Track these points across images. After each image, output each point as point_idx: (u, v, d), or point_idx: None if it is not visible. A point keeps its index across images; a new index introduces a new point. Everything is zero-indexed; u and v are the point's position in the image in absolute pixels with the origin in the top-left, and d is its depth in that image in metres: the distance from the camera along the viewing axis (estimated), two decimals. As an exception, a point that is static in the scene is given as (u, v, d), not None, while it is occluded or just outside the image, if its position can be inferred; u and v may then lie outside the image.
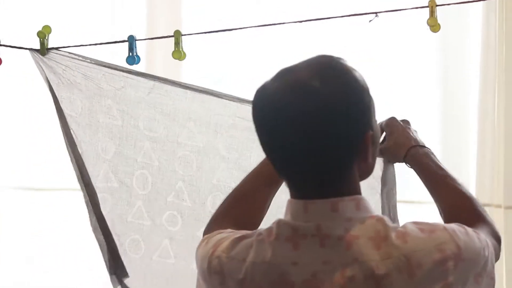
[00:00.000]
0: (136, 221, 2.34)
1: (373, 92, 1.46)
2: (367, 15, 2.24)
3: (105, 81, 2.27)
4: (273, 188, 1.72)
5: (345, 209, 1.39)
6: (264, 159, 1.71)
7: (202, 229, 2.27)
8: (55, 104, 2.29)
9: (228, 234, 1.51)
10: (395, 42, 3.06)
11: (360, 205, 1.41)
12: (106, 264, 2.33)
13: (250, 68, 3.12)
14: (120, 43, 2.31)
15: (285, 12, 3.00)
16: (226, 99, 2.25)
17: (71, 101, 2.29)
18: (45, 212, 3.26)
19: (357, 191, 1.43)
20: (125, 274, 2.34)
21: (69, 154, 2.31)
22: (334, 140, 1.36)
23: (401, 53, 3.08)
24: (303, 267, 1.38)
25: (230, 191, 2.23)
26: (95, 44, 2.30)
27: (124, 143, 2.31)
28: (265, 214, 1.72)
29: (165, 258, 2.35)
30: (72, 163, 2.31)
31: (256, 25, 2.30)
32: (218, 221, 1.68)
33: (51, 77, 2.27)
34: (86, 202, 2.33)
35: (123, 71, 2.27)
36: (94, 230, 2.33)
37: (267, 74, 2.85)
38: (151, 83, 2.27)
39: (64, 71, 2.26)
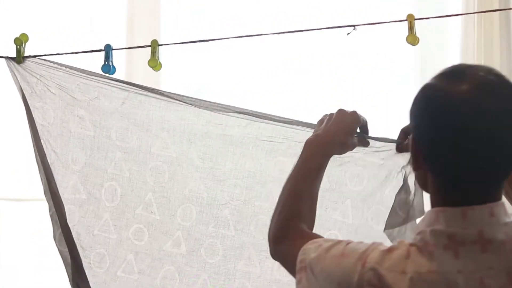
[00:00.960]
0: (103, 234, 2.30)
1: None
2: (345, 27, 2.24)
3: (79, 91, 2.25)
4: (319, 182, 1.78)
5: (499, 214, 1.42)
6: (300, 164, 1.77)
7: (169, 243, 2.31)
8: (26, 113, 2.25)
9: (365, 244, 1.50)
10: (374, 54, 3.06)
11: (506, 210, 1.44)
12: (69, 278, 2.28)
13: (229, 78, 3.12)
14: (98, 52, 2.30)
15: (264, 23, 3.01)
16: (200, 107, 2.25)
17: (43, 110, 2.26)
18: (26, 222, 3.23)
19: (501, 196, 1.46)
20: (88, 288, 2.30)
21: (38, 165, 2.26)
22: None
23: (380, 64, 3.09)
24: (469, 274, 1.39)
25: (201, 202, 2.27)
26: (72, 53, 2.28)
27: (95, 154, 2.28)
28: (315, 209, 1.77)
29: (128, 274, 2.31)
30: (40, 174, 2.27)
31: (235, 36, 2.31)
32: (292, 224, 1.70)
33: (24, 86, 2.24)
34: (51, 214, 2.28)
35: (99, 76, 2.25)
36: (58, 243, 2.28)
37: (245, 84, 2.84)
38: (125, 93, 2.26)
39: (39, 81, 2.24)
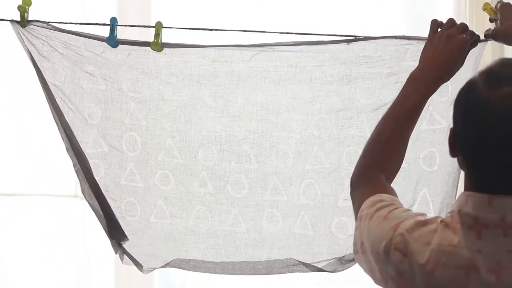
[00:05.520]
0: (130, 184, 2.36)
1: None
2: (346, 37, 2.30)
3: (85, 48, 2.29)
4: (412, 128, 1.78)
5: None
6: (397, 101, 1.77)
7: (196, 183, 2.36)
8: (37, 75, 2.30)
9: (408, 213, 1.56)
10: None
11: None
12: (104, 230, 2.34)
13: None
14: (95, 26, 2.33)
15: (265, 20, 3.07)
16: (203, 47, 2.30)
17: (53, 70, 2.30)
18: (12, 217, 3.24)
19: None
20: (124, 237, 2.35)
21: (57, 124, 2.31)
22: None
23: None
24: (487, 255, 1.45)
25: (220, 140, 2.33)
26: (76, 23, 2.32)
27: (110, 107, 2.33)
28: (405, 152, 1.78)
29: (161, 219, 2.37)
30: (60, 132, 2.32)
31: (237, 29, 2.35)
32: (368, 172, 1.73)
33: (31, 49, 2.28)
34: (76, 170, 2.33)
35: (103, 40, 2.29)
36: (88, 197, 2.34)
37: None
38: (129, 45, 2.31)
39: (45, 42, 2.28)
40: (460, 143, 1.51)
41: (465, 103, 1.50)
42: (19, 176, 3.16)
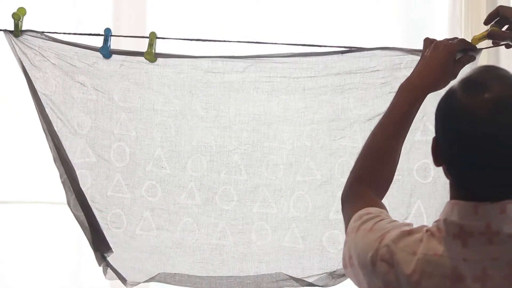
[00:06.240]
0: (116, 195, 2.33)
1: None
2: (340, 48, 2.29)
3: (77, 59, 2.29)
4: (402, 140, 1.78)
5: (511, 210, 1.46)
6: (386, 113, 1.78)
7: (184, 195, 2.34)
8: (28, 84, 2.29)
9: (394, 224, 1.57)
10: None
11: None
12: (89, 241, 2.31)
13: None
14: (86, 36, 2.32)
15: (260, 30, 3.09)
16: (197, 57, 2.29)
17: (44, 80, 2.30)
18: (8, 224, 3.22)
19: None
20: (109, 249, 2.32)
21: (45, 134, 2.30)
22: None
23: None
24: (473, 264, 1.45)
25: (210, 151, 2.31)
26: (70, 33, 2.32)
27: (100, 117, 2.31)
28: (396, 167, 1.77)
29: (147, 231, 2.33)
30: (48, 142, 2.30)
31: (233, 40, 2.35)
32: (357, 187, 1.73)
33: (23, 58, 2.27)
34: (63, 180, 2.31)
35: (96, 50, 2.30)
36: (73, 208, 2.31)
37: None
38: (122, 56, 2.30)
39: (37, 52, 2.27)
40: (443, 151, 1.51)
41: (445, 111, 1.50)
42: (14, 184, 3.15)
